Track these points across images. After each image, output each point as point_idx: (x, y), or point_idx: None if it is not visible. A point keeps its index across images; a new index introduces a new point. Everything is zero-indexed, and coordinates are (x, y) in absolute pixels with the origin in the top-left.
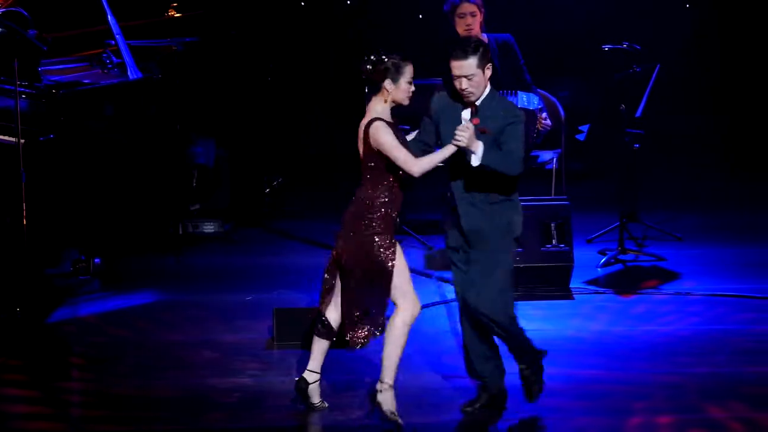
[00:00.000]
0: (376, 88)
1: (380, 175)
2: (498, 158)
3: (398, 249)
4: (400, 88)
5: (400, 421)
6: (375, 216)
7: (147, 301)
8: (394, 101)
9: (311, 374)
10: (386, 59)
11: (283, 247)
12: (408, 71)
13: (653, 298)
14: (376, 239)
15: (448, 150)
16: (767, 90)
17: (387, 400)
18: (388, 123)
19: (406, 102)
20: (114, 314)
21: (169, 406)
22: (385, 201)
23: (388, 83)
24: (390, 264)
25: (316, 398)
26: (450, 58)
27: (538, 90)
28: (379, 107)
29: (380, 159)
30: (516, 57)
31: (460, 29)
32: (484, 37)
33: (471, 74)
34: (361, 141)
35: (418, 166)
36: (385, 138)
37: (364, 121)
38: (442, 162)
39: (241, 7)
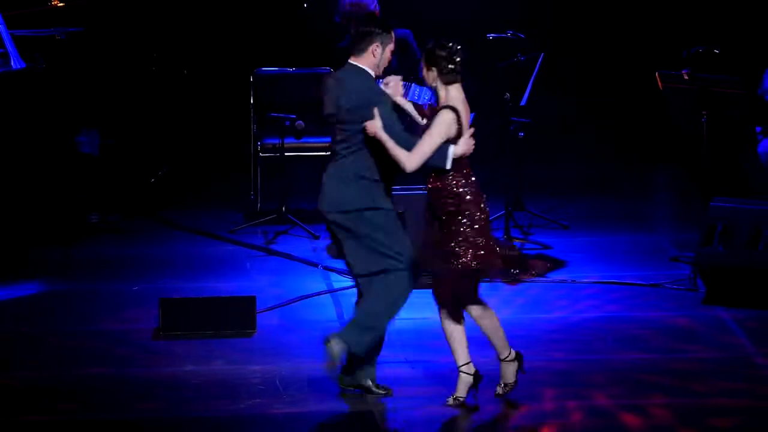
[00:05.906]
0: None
1: None
2: None
3: None
4: None
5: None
6: None
7: (32, 292)
8: None
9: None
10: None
11: (169, 237)
12: None
13: (539, 286)
14: None
15: None
16: (650, 78)
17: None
18: None
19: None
20: None
21: (55, 397)
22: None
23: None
24: None
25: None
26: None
27: None
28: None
29: None
30: (414, 54)
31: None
32: None
33: None
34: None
35: None
36: None
37: (467, 108)
38: None
39: None
